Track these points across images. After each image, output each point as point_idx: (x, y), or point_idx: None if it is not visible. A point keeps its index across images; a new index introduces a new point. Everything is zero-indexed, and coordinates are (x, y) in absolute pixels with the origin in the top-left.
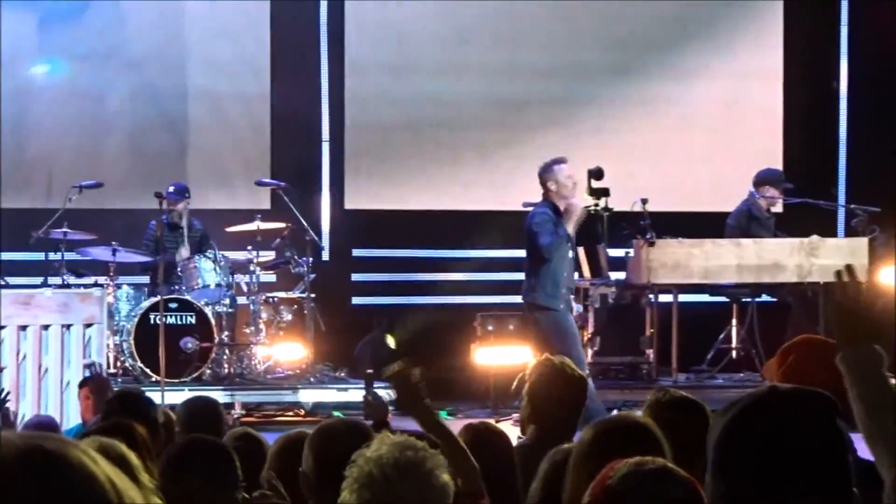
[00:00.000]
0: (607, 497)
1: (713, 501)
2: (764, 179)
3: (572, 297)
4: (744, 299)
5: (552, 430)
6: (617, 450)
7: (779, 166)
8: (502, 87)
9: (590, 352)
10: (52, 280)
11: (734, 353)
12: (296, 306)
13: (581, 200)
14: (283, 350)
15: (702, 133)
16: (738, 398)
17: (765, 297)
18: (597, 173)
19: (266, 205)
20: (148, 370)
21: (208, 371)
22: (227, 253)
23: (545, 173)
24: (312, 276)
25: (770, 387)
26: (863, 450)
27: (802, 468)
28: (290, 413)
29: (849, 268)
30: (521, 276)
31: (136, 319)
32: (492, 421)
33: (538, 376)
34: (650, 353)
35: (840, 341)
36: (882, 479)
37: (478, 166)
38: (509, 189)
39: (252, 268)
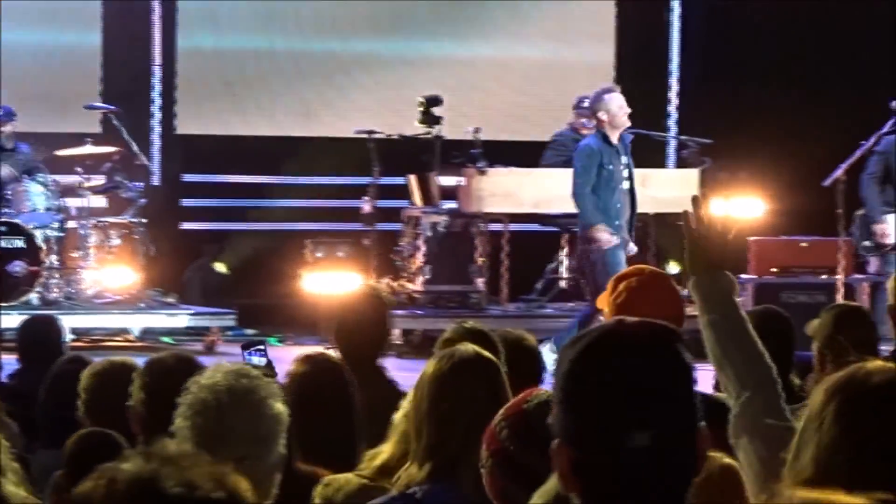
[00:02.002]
0: (521, 421)
1: (561, 435)
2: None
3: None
4: (574, 229)
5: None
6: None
7: None
8: (341, 9)
9: (421, 280)
10: None
11: (564, 283)
12: (126, 231)
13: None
14: (112, 275)
15: (535, 60)
16: (586, 331)
17: None
18: (434, 101)
19: (97, 129)
20: None
21: (36, 295)
22: (56, 177)
23: (596, 103)
24: (143, 201)
25: (616, 320)
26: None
27: (650, 400)
28: (119, 338)
29: (701, 197)
30: (350, 202)
31: None
32: (322, 348)
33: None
34: (480, 282)
35: (692, 269)
36: (726, 414)
37: (312, 92)
38: (342, 116)
39: (82, 192)
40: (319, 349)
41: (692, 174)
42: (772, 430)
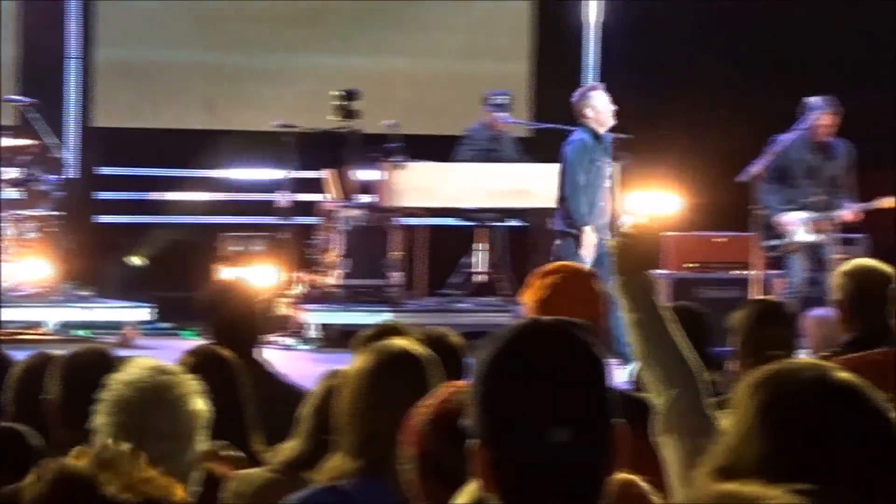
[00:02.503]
0: (444, 419)
1: (478, 434)
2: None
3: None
4: (492, 223)
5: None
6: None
7: (525, 89)
8: (261, 3)
9: (337, 274)
10: None
11: (481, 278)
12: (42, 224)
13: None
14: (28, 268)
15: (453, 55)
16: (501, 331)
17: (513, 222)
18: (350, 95)
19: (12, 121)
20: None
21: None
22: None
23: (581, 100)
24: (59, 194)
25: (531, 319)
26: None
27: (566, 396)
28: (35, 332)
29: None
30: (266, 196)
31: None
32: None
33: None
34: (397, 276)
35: (621, 269)
36: (646, 410)
37: (227, 87)
38: (257, 110)
39: None
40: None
41: (613, 169)
42: (698, 427)
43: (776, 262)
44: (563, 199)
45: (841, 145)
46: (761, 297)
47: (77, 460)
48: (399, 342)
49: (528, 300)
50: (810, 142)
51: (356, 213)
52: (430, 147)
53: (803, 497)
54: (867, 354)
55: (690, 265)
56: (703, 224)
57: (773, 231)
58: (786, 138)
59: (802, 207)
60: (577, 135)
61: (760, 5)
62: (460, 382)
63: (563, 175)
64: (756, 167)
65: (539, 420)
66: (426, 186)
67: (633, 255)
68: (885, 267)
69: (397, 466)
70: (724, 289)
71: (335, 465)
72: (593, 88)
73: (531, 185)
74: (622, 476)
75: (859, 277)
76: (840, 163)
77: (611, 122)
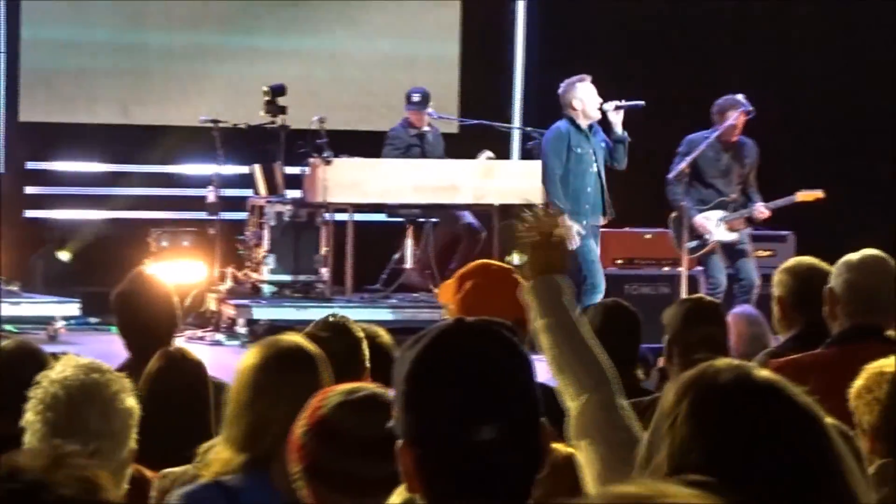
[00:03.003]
0: (322, 427)
1: (404, 435)
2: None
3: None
4: (420, 219)
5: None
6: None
7: (455, 86)
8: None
9: (265, 270)
10: None
11: (409, 274)
12: None
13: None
14: None
15: (382, 51)
16: (426, 331)
17: (441, 218)
18: (278, 90)
19: None
20: None
21: None
22: None
23: (568, 92)
24: None
25: (456, 319)
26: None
27: (493, 394)
28: None
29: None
30: (194, 191)
31: None
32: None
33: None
34: (325, 272)
35: (531, 272)
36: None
37: (157, 81)
38: (187, 104)
39: None
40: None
41: (537, 165)
42: (612, 431)
43: (697, 261)
44: (544, 189)
45: (749, 144)
46: (693, 294)
47: (27, 459)
48: (290, 337)
49: (451, 299)
50: (721, 141)
51: (284, 208)
52: (358, 142)
53: (711, 493)
54: (820, 353)
55: (619, 261)
56: (632, 219)
57: (690, 232)
58: (696, 138)
59: (717, 207)
60: (555, 125)
61: (686, 3)
62: (331, 388)
63: (543, 168)
64: (685, 163)
65: (465, 419)
66: (354, 182)
67: (541, 258)
68: (824, 265)
69: (283, 465)
70: (653, 285)
71: (220, 459)
72: (581, 80)
73: (458, 181)
74: (565, 450)
75: (801, 275)
76: (750, 161)
77: (597, 114)
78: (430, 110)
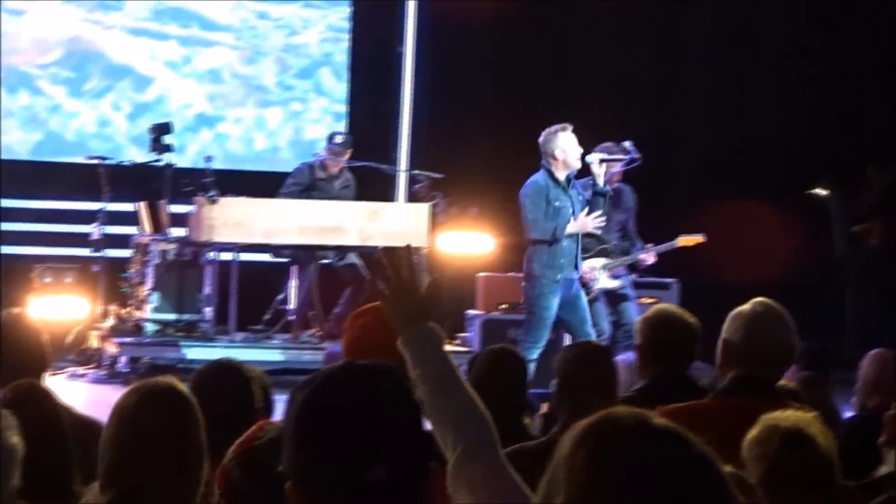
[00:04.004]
0: (249, 460)
1: (294, 475)
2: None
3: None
4: (304, 260)
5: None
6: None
7: (343, 128)
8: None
9: (148, 308)
10: None
11: (293, 314)
12: None
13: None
14: None
15: (269, 91)
16: (316, 373)
17: (327, 259)
18: (164, 128)
19: None
20: None
21: None
22: None
23: (550, 142)
24: None
25: (346, 362)
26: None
27: (381, 439)
28: None
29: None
30: (79, 227)
31: None
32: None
33: None
34: (208, 311)
35: (398, 323)
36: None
37: (41, 115)
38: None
39: None
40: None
41: (422, 208)
42: (492, 482)
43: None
44: (527, 241)
45: (627, 190)
46: (583, 340)
47: None
48: (166, 379)
49: (342, 341)
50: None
51: (169, 247)
52: (244, 182)
53: None
54: (710, 403)
55: (504, 306)
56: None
57: None
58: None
59: (599, 254)
60: (533, 177)
61: (573, 45)
62: (266, 422)
63: (523, 218)
64: None
65: (354, 459)
66: (239, 222)
67: (408, 307)
68: (686, 315)
69: (146, 501)
70: None
71: (89, 499)
72: (562, 129)
73: (344, 223)
74: None
75: (657, 324)
76: (629, 207)
77: (578, 164)
78: (343, 157)
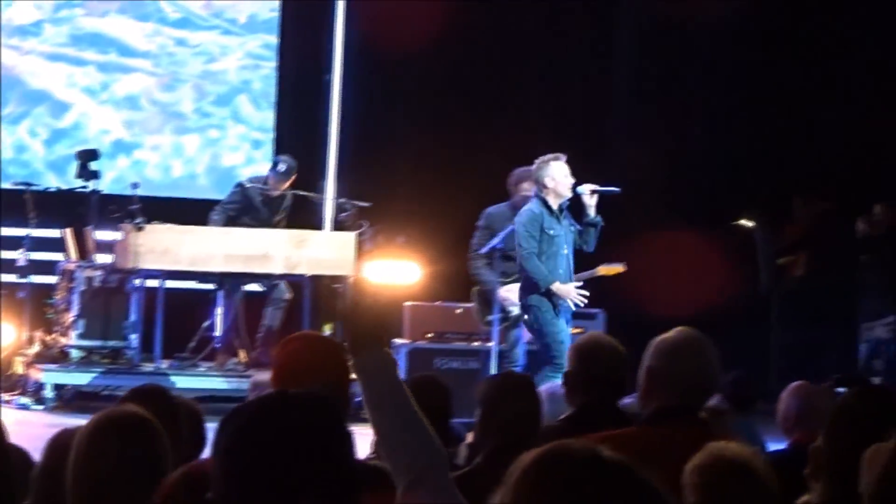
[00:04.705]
0: (194, 478)
1: (222, 498)
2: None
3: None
4: (231, 287)
5: None
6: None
7: (269, 156)
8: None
9: (73, 335)
10: None
11: (218, 341)
12: None
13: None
14: None
15: (195, 119)
16: (246, 402)
17: (252, 287)
18: (90, 155)
19: None
20: None
21: None
22: None
23: (541, 170)
24: None
25: (277, 392)
26: None
27: (310, 472)
28: None
29: (355, 278)
30: (4, 254)
31: None
32: None
33: None
34: (134, 338)
35: (353, 349)
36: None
37: None
38: None
39: None
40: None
41: (349, 237)
42: None
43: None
44: (522, 271)
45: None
46: (505, 370)
47: None
48: (129, 407)
49: (272, 368)
50: (516, 209)
51: (94, 273)
52: (171, 209)
53: None
54: (634, 431)
55: (430, 335)
56: (442, 294)
57: (495, 305)
58: (495, 210)
59: (518, 280)
60: (527, 206)
61: (499, 76)
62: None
63: (517, 246)
64: (498, 238)
65: (283, 492)
66: (165, 249)
67: (363, 333)
68: (616, 343)
69: None
70: (462, 359)
71: None
72: (555, 159)
73: (270, 250)
74: None
75: (587, 352)
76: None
77: (569, 193)
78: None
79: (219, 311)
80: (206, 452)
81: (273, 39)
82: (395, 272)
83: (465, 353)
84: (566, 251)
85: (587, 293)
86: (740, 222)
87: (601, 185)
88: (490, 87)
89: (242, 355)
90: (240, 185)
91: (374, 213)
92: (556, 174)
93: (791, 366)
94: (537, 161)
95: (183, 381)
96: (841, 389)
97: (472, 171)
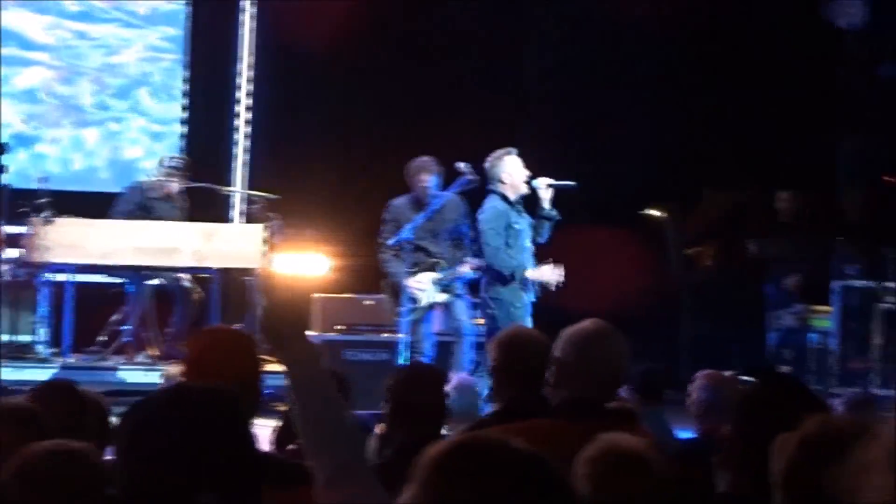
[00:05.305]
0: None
1: (124, 499)
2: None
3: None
4: (140, 281)
5: None
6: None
7: (171, 149)
8: None
9: None
10: None
11: (128, 335)
12: None
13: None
14: None
15: (90, 110)
16: (148, 396)
17: (161, 280)
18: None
19: None
20: None
21: None
22: None
23: (495, 166)
24: None
25: (178, 385)
26: None
27: (211, 467)
28: None
29: (271, 267)
30: None
31: None
32: None
33: None
34: (43, 332)
35: (276, 341)
36: (304, 475)
37: None
38: None
39: None
40: None
41: (258, 229)
42: (363, 500)
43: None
44: (488, 267)
45: (454, 200)
46: (413, 361)
47: None
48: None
49: (182, 362)
50: (418, 203)
51: (3, 267)
52: (80, 203)
53: None
54: (527, 425)
55: (339, 327)
56: (352, 286)
57: (404, 296)
58: (399, 203)
59: (429, 268)
60: (489, 202)
61: (406, 69)
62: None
63: (482, 244)
64: (408, 231)
65: (183, 485)
66: (74, 243)
67: (285, 320)
68: (539, 335)
69: None
70: (372, 351)
71: None
72: (507, 153)
73: (179, 244)
74: None
75: (510, 346)
76: (456, 217)
77: (524, 188)
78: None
79: (128, 305)
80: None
81: (174, 32)
82: (305, 264)
83: (375, 345)
84: (529, 244)
85: (561, 265)
86: (650, 213)
87: (557, 180)
88: (398, 82)
89: (152, 349)
90: (135, 183)
91: (283, 206)
92: (512, 169)
93: (701, 356)
94: (490, 157)
95: (92, 376)
96: (747, 379)
97: (381, 164)
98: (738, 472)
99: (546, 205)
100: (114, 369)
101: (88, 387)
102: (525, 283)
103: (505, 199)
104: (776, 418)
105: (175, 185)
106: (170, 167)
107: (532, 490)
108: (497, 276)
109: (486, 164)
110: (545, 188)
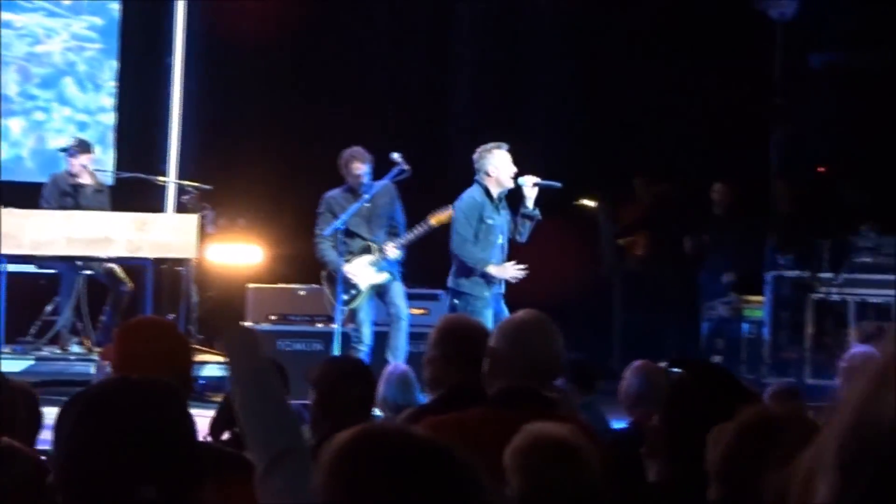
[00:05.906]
0: None
1: (63, 491)
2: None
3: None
4: (72, 271)
5: None
6: None
7: (111, 139)
8: None
9: None
10: None
11: (61, 325)
12: None
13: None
14: None
15: (15, 99)
16: (88, 388)
17: (93, 271)
18: None
19: None
20: None
21: None
22: None
23: (483, 158)
24: None
25: (119, 377)
26: None
27: (152, 458)
28: None
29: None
30: None
31: None
32: None
33: None
34: None
35: (220, 325)
36: (246, 466)
37: None
38: None
39: None
40: None
41: (191, 220)
42: (301, 488)
43: (353, 315)
44: (453, 255)
45: (384, 185)
46: (341, 353)
47: None
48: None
49: (114, 355)
50: (350, 192)
51: None
52: (12, 193)
53: None
54: (462, 415)
55: (273, 317)
56: (285, 276)
57: (341, 284)
58: (332, 194)
59: (363, 252)
60: (468, 192)
61: (347, 60)
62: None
63: (452, 232)
64: (336, 224)
65: (124, 478)
66: (6, 233)
67: (228, 310)
68: (477, 323)
69: None
70: (306, 341)
71: None
72: (497, 147)
73: (112, 234)
74: None
75: (448, 334)
76: (387, 201)
77: (510, 183)
78: (84, 160)
79: (61, 295)
80: (42, 435)
81: (99, 21)
82: (237, 254)
83: (309, 335)
84: (501, 241)
85: (525, 266)
86: (582, 203)
87: (543, 179)
88: (331, 73)
89: (85, 340)
90: (56, 173)
91: (216, 196)
92: (499, 163)
93: (634, 345)
94: (479, 149)
95: (25, 366)
96: (675, 370)
97: (314, 155)
98: (666, 461)
99: (529, 203)
100: (47, 360)
101: (20, 378)
102: (487, 277)
103: (486, 192)
104: (703, 409)
105: (85, 169)
106: (65, 152)
107: (434, 479)
108: (461, 268)
109: (475, 156)
110: (531, 186)
